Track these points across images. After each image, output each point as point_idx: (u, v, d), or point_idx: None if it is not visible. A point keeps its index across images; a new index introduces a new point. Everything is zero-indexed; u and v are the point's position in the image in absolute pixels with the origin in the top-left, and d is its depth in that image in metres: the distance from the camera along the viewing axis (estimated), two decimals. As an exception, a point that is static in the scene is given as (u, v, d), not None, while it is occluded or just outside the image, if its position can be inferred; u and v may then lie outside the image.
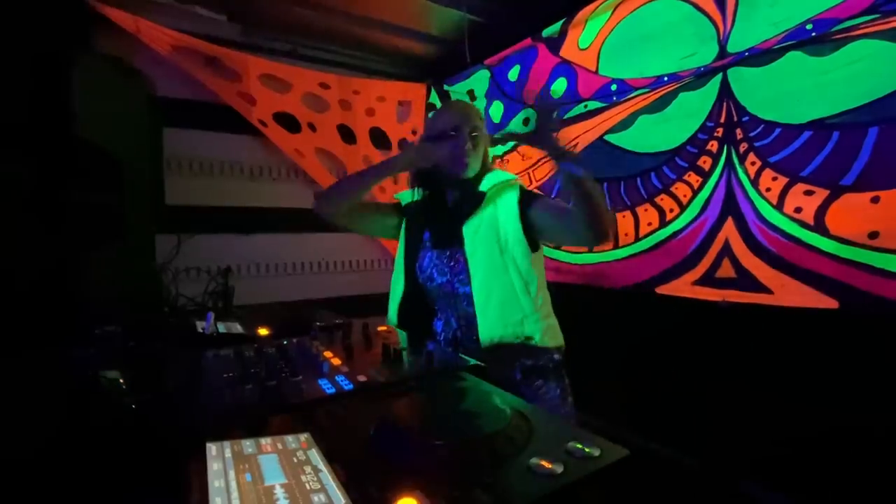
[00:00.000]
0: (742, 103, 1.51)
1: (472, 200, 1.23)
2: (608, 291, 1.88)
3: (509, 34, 2.32)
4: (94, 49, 1.82)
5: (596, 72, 1.96)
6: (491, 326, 1.13)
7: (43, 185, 1.26)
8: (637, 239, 1.82)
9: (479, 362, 0.95)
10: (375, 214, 1.40)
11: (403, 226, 1.36)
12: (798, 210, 1.38)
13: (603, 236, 1.07)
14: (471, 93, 2.68)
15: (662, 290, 1.72)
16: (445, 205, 1.28)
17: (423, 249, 1.28)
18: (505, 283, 1.15)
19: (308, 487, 0.49)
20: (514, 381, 1.15)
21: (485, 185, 1.23)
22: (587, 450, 0.53)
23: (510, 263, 1.16)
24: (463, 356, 0.97)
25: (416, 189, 1.34)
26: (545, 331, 1.15)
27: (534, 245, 1.19)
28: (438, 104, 2.95)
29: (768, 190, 1.44)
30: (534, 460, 0.51)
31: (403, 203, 1.39)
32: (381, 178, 1.31)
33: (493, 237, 1.18)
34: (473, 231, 1.19)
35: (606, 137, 1.94)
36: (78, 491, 0.58)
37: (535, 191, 1.24)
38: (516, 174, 1.27)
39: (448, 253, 1.23)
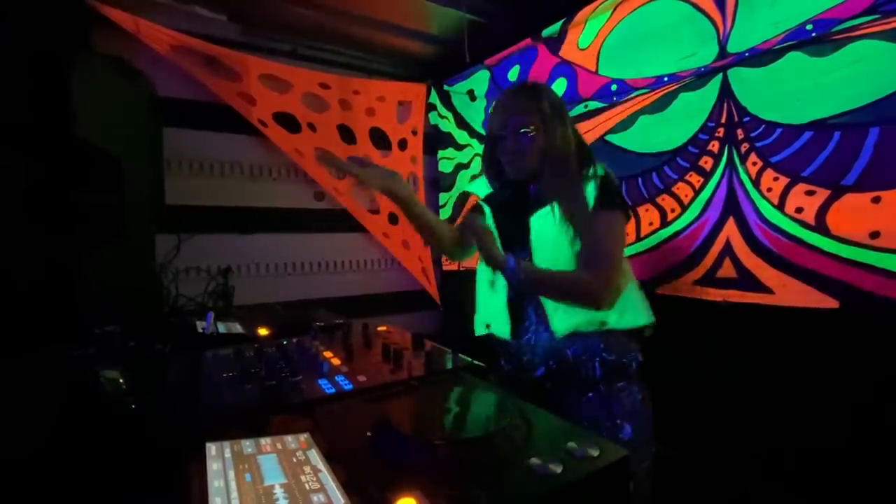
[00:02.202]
0: (743, 104, 1.51)
1: (543, 195, 1.14)
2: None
3: (509, 34, 2.32)
4: (94, 49, 1.82)
5: (596, 72, 1.96)
6: (563, 315, 1.07)
7: (43, 185, 1.26)
8: (638, 239, 1.82)
9: (480, 363, 0.94)
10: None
11: (489, 214, 1.27)
12: (799, 210, 1.37)
13: (594, 307, 1.04)
14: (471, 93, 2.68)
15: (663, 290, 1.72)
16: (513, 199, 1.21)
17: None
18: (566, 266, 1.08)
19: (308, 487, 0.49)
20: (594, 378, 1.08)
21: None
22: (587, 450, 0.53)
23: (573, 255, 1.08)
24: (463, 356, 0.97)
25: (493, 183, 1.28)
26: (622, 311, 1.07)
27: None
28: (439, 104, 2.95)
29: (769, 190, 1.44)
30: (534, 460, 0.51)
31: (482, 196, 1.31)
32: (423, 219, 1.24)
33: (561, 231, 1.09)
34: (541, 225, 1.12)
35: (607, 138, 1.94)
36: (78, 491, 0.58)
37: (610, 197, 1.09)
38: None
39: (517, 249, 1.15)
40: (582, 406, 1.08)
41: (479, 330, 1.24)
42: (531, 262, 1.10)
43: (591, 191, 1.10)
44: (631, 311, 1.10)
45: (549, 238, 1.11)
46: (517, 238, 1.16)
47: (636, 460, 0.99)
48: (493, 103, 1.20)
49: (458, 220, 1.31)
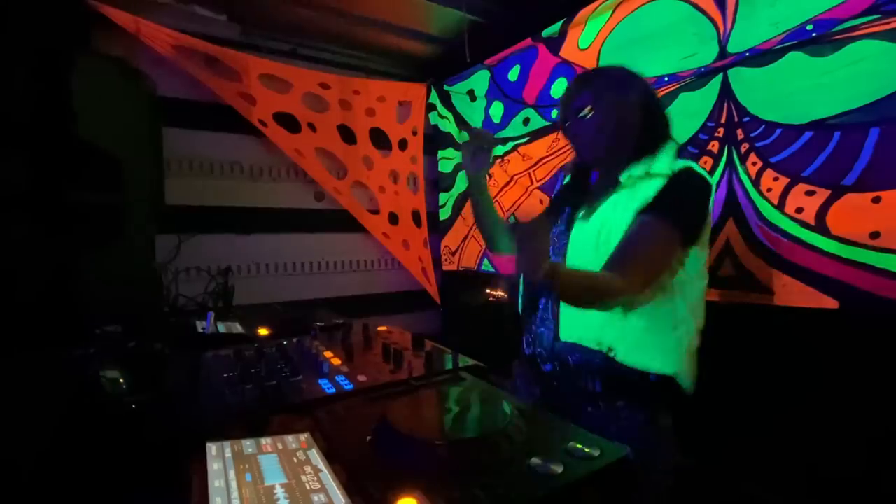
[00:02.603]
0: (743, 104, 1.51)
1: (604, 188, 1.07)
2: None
3: (509, 34, 2.32)
4: (94, 49, 1.82)
5: (596, 72, 1.96)
6: (569, 323, 1.01)
7: (43, 184, 1.26)
8: (637, 239, 1.82)
9: (478, 362, 0.94)
10: None
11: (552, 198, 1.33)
12: (799, 210, 1.37)
13: (612, 300, 0.93)
14: (471, 93, 2.68)
15: (663, 290, 1.72)
16: (579, 188, 1.18)
17: (559, 221, 1.16)
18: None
19: (308, 487, 0.49)
20: (593, 393, 0.98)
21: (626, 172, 1.02)
22: (587, 450, 0.53)
23: (603, 257, 0.96)
24: (463, 356, 0.97)
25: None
26: (638, 346, 0.94)
27: None
28: (439, 104, 2.95)
29: (769, 190, 1.44)
30: (534, 460, 0.51)
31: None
32: (482, 207, 1.24)
33: (596, 226, 1.01)
34: (583, 216, 1.07)
35: (607, 137, 1.94)
36: (78, 490, 0.58)
37: (662, 205, 0.94)
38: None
39: (560, 230, 1.12)
40: (581, 418, 0.96)
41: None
42: (563, 266, 1.01)
43: (649, 187, 0.97)
44: (651, 350, 0.95)
45: (583, 229, 1.05)
46: (564, 221, 1.12)
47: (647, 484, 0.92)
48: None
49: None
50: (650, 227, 0.93)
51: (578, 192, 1.18)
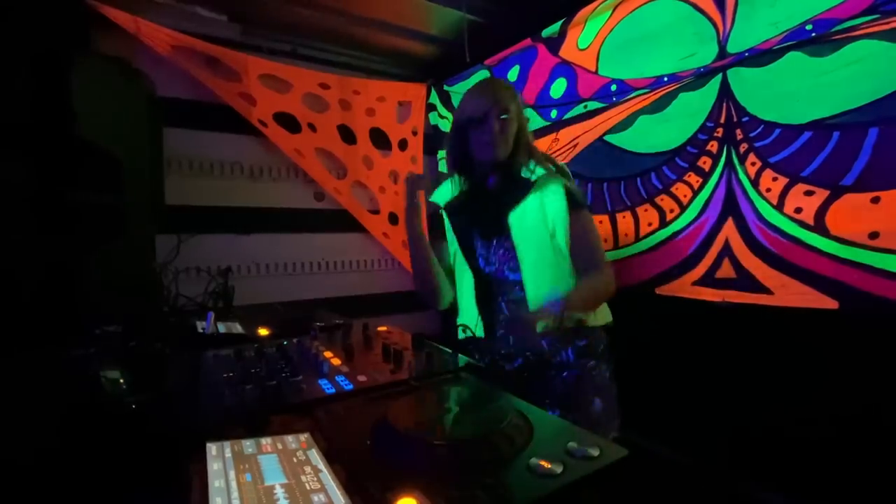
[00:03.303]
0: (742, 104, 1.51)
1: (517, 187, 1.20)
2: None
3: (509, 34, 2.32)
4: (94, 49, 1.82)
5: (595, 72, 1.96)
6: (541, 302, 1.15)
7: (43, 185, 1.26)
8: (637, 239, 1.82)
9: (477, 363, 0.95)
10: (449, 256, 1.36)
11: (447, 223, 1.34)
12: (798, 210, 1.38)
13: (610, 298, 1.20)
14: (471, 93, 2.68)
15: (662, 290, 1.72)
16: (487, 193, 1.25)
17: (475, 240, 1.27)
18: (555, 268, 1.16)
19: (308, 487, 0.49)
20: (568, 362, 1.18)
21: (534, 174, 1.20)
22: (587, 450, 0.53)
23: (559, 249, 1.16)
24: (462, 356, 0.97)
25: (454, 180, 1.32)
26: (597, 311, 1.19)
27: None
28: (438, 104, 2.95)
29: (768, 190, 1.44)
30: (534, 460, 0.51)
31: (442, 203, 1.36)
32: (420, 244, 1.30)
33: (541, 223, 1.17)
34: (520, 218, 1.18)
35: (606, 138, 1.94)
36: (78, 491, 0.58)
37: (578, 197, 1.19)
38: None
39: (494, 242, 1.23)
40: (556, 384, 1.19)
41: (460, 334, 1.28)
42: (568, 293, 1.11)
43: (557, 186, 1.17)
44: (602, 310, 1.23)
45: (529, 229, 1.17)
46: (495, 230, 1.21)
47: (605, 432, 1.13)
48: (466, 93, 1.23)
49: (426, 236, 1.35)
50: (589, 220, 1.20)
51: (479, 200, 1.26)
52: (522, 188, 1.19)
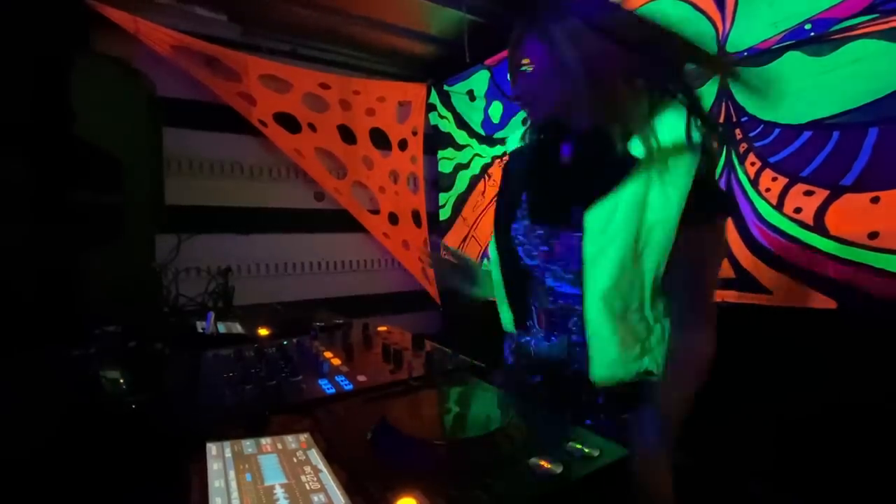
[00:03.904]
0: (741, 103, 1.51)
1: (611, 168, 0.76)
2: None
3: (509, 34, 2.32)
4: (94, 49, 1.82)
5: (596, 72, 1.96)
6: (606, 362, 0.79)
7: (43, 185, 1.26)
8: (637, 239, 1.82)
9: (480, 363, 0.94)
10: None
11: (503, 174, 1.00)
12: (798, 210, 1.38)
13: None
14: (470, 93, 2.68)
15: (662, 290, 1.72)
16: (557, 163, 0.86)
17: (518, 214, 0.90)
18: (630, 298, 0.78)
19: (308, 487, 0.49)
20: (594, 404, 0.83)
21: (639, 147, 0.75)
22: (587, 450, 0.54)
23: (646, 270, 0.77)
24: (463, 356, 0.97)
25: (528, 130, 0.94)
26: (664, 358, 0.81)
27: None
28: (438, 104, 2.95)
29: (768, 190, 1.44)
30: (534, 460, 0.51)
31: (510, 150, 1.01)
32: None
33: (632, 229, 0.75)
34: (605, 218, 0.76)
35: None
36: (78, 491, 0.58)
37: (714, 196, 0.77)
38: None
39: (543, 232, 0.85)
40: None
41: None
42: (657, 404, 0.78)
43: (682, 171, 0.72)
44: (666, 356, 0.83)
45: (615, 237, 0.76)
46: (554, 218, 0.84)
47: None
48: None
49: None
50: (713, 244, 0.78)
51: (546, 167, 0.88)
52: (620, 167, 0.75)
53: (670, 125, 0.75)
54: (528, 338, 0.94)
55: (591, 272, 0.78)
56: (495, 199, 1.01)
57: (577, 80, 0.75)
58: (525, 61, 0.80)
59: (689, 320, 0.80)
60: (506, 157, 1.04)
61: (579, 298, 0.81)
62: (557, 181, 0.87)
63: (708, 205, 0.75)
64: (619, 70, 0.77)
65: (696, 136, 0.73)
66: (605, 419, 0.83)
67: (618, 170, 0.76)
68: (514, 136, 1.01)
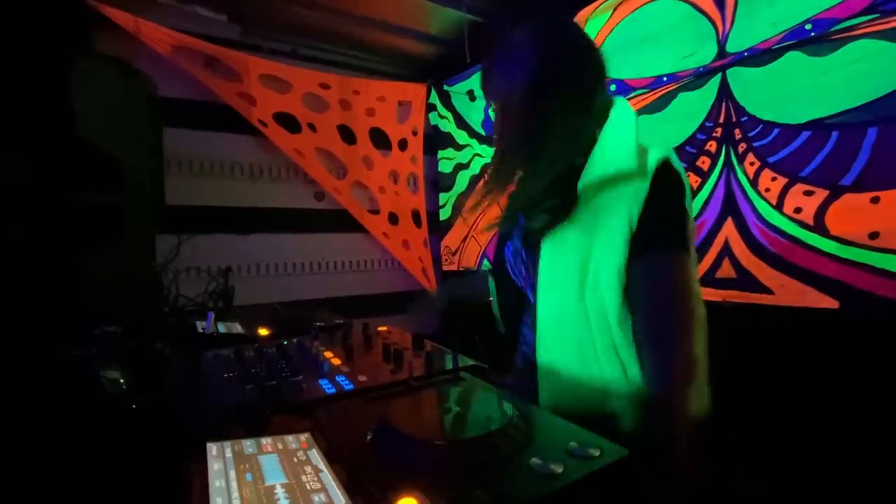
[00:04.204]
0: (741, 103, 1.51)
1: (561, 197, 0.77)
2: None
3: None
4: (94, 49, 1.82)
5: (596, 72, 1.96)
6: (553, 389, 0.77)
7: (43, 185, 1.26)
8: (637, 239, 1.82)
9: (480, 363, 0.94)
10: None
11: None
12: (798, 210, 1.38)
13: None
14: (470, 93, 2.68)
15: (662, 290, 1.72)
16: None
17: (514, 235, 0.91)
18: (582, 338, 0.74)
19: (308, 487, 0.49)
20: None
21: (584, 178, 0.75)
22: (587, 450, 0.54)
23: (594, 313, 0.73)
24: (463, 356, 0.97)
25: None
26: (645, 410, 0.71)
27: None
28: (438, 104, 2.95)
29: (768, 190, 1.44)
30: (534, 460, 0.51)
31: None
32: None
33: (576, 266, 0.73)
34: (555, 246, 0.77)
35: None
36: (78, 491, 0.58)
37: (670, 224, 0.71)
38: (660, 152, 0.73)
39: (526, 253, 0.86)
40: None
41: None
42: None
43: (626, 209, 0.69)
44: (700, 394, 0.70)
45: (558, 272, 0.75)
46: (531, 240, 0.83)
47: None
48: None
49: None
50: (672, 273, 0.70)
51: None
52: (568, 198, 0.76)
53: (613, 151, 0.73)
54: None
55: (542, 298, 0.78)
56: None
57: (519, 121, 0.79)
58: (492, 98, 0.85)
59: (662, 375, 0.69)
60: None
61: None
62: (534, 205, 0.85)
63: (659, 235, 0.69)
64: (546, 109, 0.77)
65: (645, 161, 0.71)
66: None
67: (565, 199, 0.76)
68: None
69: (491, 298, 1.04)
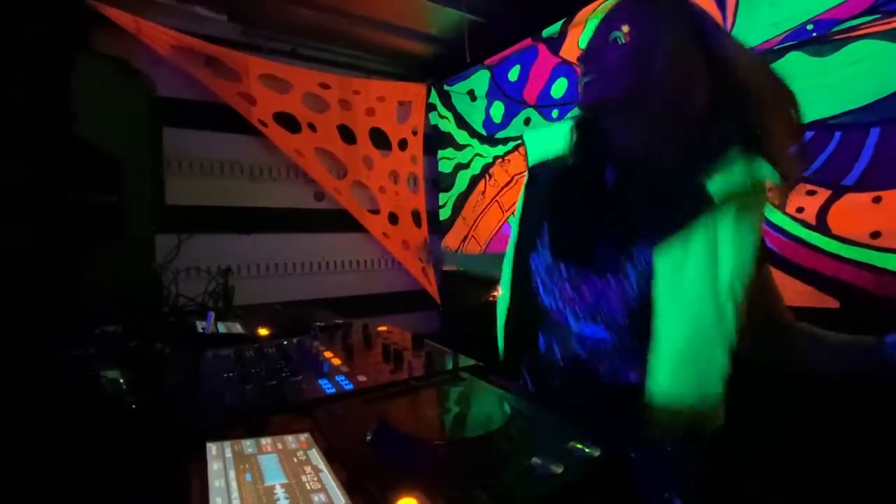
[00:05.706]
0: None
1: (675, 201, 0.66)
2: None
3: (509, 34, 2.32)
4: (94, 49, 1.82)
5: (596, 72, 1.96)
6: (668, 423, 0.71)
7: (43, 185, 1.26)
8: (637, 239, 1.82)
9: (480, 363, 0.94)
10: None
11: (522, 197, 0.87)
12: (800, 210, 1.37)
13: None
14: (471, 93, 2.68)
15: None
16: (601, 193, 0.74)
17: (538, 245, 0.79)
18: (711, 360, 0.71)
19: (308, 487, 0.49)
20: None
21: (716, 181, 0.64)
22: (587, 450, 0.53)
23: (726, 329, 0.67)
24: (463, 356, 0.97)
25: (572, 130, 0.80)
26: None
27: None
28: (438, 104, 2.95)
29: (769, 190, 1.44)
30: (534, 460, 0.51)
31: (533, 162, 0.87)
32: None
33: (709, 279, 0.65)
34: (677, 263, 0.65)
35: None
36: (78, 491, 0.58)
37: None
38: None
39: (568, 271, 0.75)
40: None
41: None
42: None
43: (751, 212, 0.66)
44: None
45: (689, 290, 0.65)
46: (586, 256, 0.72)
47: None
48: None
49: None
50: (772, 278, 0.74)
51: (579, 193, 0.76)
52: (689, 203, 0.65)
53: (739, 161, 0.66)
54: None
55: (661, 327, 0.65)
56: (513, 219, 0.90)
57: (656, 78, 0.65)
58: (625, 29, 0.67)
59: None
60: (522, 176, 0.93)
61: (611, 341, 0.72)
62: (595, 211, 0.73)
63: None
64: (704, 101, 0.66)
65: (766, 173, 0.65)
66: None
67: (689, 207, 0.64)
68: (542, 146, 0.88)
69: (496, 294, 0.98)
